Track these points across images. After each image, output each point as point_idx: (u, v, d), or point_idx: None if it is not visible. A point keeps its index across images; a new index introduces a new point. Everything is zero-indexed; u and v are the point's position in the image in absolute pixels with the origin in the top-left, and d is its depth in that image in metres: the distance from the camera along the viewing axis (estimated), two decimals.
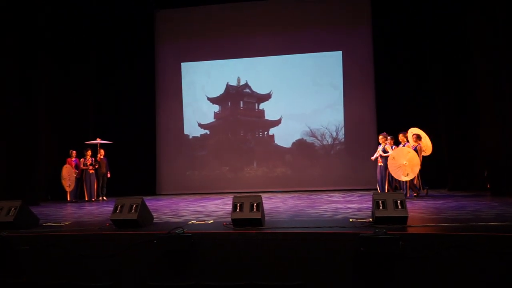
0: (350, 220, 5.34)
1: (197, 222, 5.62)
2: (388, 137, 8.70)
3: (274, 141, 11.84)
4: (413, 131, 8.72)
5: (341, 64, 11.63)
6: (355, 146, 11.28)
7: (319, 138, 11.59)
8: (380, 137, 8.73)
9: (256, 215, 4.84)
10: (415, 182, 8.39)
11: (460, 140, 9.89)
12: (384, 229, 4.15)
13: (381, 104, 11.02)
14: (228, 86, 12.10)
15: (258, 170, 11.82)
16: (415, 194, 8.48)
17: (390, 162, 8.06)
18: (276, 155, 11.80)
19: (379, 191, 8.50)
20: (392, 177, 8.41)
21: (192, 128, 12.19)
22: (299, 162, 11.69)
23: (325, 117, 11.59)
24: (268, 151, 11.83)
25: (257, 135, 11.97)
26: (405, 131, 8.81)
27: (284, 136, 11.80)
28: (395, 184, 8.57)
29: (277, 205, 7.96)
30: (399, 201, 4.74)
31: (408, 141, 8.53)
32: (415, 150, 8.29)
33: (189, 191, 11.83)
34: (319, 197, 9.28)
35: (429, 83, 10.54)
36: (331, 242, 4.34)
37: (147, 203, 5.81)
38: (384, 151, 8.53)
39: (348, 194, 9.71)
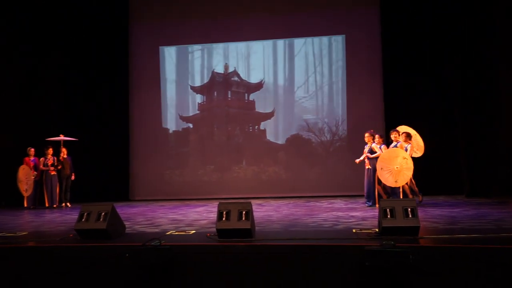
0: (354, 230, 5.36)
1: (176, 233, 5.61)
2: (376, 135, 8.70)
3: (266, 137, 11.87)
4: (402, 129, 8.73)
5: (343, 50, 11.68)
6: (360, 144, 11.32)
7: (317, 134, 11.64)
8: (366, 135, 8.71)
9: (245, 224, 4.84)
10: (407, 187, 8.35)
11: (479, 139, 10.00)
12: (392, 241, 4.17)
13: (389, 96, 11.08)
14: (214, 74, 12.09)
15: (248, 170, 11.83)
16: (420, 199, 8.51)
17: (379, 164, 8.05)
18: (268, 153, 11.83)
19: (366, 201, 8.49)
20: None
21: (172, 121, 12.18)
22: (295, 161, 11.73)
23: (324, 109, 11.65)
24: (259, 148, 11.87)
25: (246, 130, 12.00)
26: (404, 128, 8.81)
27: (277, 131, 11.83)
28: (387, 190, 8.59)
29: (270, 213, 7.97)
30: (409, 209, 4.77)
31: (399, 140, 8.49)
32: (405, 150, 8.31)
33: (168, 197, 11.80)
34: (318, 204, 9.31)
35: (445, 75, 10.61)
36: (331, 256, 4.35)
37: (119, 210, 5.77)
38: (371, 151, 8.53)
39: (352, 201, 9.76)
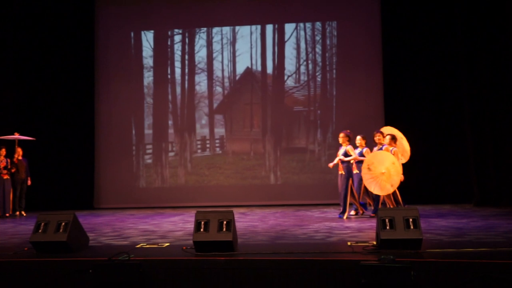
0: (349, 243, 5.39)
1: (147, 246, 5.59)
2: (358, 137, 8.69)
3: (251, 134, 11.92)
4: (386, 130, 8.78)
5: (338, 36, 11.78)
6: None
7: (309, 130, 11.70)
8: (341, 135, 8.68)
9: (226, 236, 4.84)
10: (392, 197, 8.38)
11: (490, 143, 10.12)
12: (391, 256, 4.20)
13: (390, 89, 11.13)
14: (194, 63, 12.08)
15: (230, 174, 11.83)
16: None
17: (365, 170, 8.09)
18: (254, 154, 11.85)
19: (342, 212, 8.47)
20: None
21: (145, 118, 12.16)
22: (283, 164, 11.76)
23: (317, 100, 11.74)
24: (244, 147, 11.90)
25: (230, 126, 12.04)
26: (395, 130, 8.84)
27: (265, 126, 11.88)
28: (370, 197, 8.59)
29: (254, 223, 7.98)
30: (411, 219, 4.81)
31: (385, 143, 8.49)
32: None
33: (139, 205, 11.73)
34: (308, 213, 9.34)
35: (454, 69, 10.70)
36: (323, 272, 4.37)
37: (81, 220, 5.73)
38: (346, 154, 8.53)
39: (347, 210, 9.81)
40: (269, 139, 11.86)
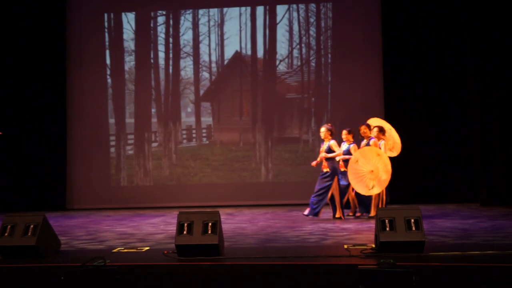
0: (345, 246, 5.41)
1: (125, 250, 5.57)
2: (344, 131, 8.61)
3: (239, 124, 11.91)
4: (373, 122, 8.76)
5: (330, 20, 11.77)
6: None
7: (301, 122, 11.69)
8: (322, 130, 8.52)
9: (211, 239, 4.83)
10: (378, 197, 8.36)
11: (499, 136, 10.18)
12: (391, 259, 4.22)
13: (390, 81, 11.15)
14: (179, 47, 12.02)
15: (216, 171, 11.83)
16: (373, 213, 8.34)
17: (351, 168, 8.03)
18: (242, 147, 11.84)
19: (334, 214, 8.41)
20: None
21: (123, 110, 12.10)
22: (275, 159, 11.77)
23: (311, 87, 11.74)
24: (231, 140, 11.89)
25: (217, 117, 12.02)
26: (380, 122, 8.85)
27: (255, 116, 11.86)
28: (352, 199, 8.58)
29: (243, 225, 7.98)
30: (413, 220, 4.84)
31: (372, 136, 8.52)
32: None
33: (115, 205, 11.65)
34: (301, 213, 9.37)
35: (461, 58, 10.72)
36: (318, 278, 4.38)
37: (52, 222, 5.69)
38: (329, 150, 8.41)
39: (345, 210, 9.84)
40: (259, 128, 11.84)
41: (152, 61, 12.09)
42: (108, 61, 12.13)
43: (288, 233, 6.92)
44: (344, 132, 8.62)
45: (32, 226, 5.08)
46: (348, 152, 8.44)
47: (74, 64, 12.03)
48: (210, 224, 4.90)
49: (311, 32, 11.85)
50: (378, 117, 10.74)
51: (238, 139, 11.92)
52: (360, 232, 6.72)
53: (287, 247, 5.80)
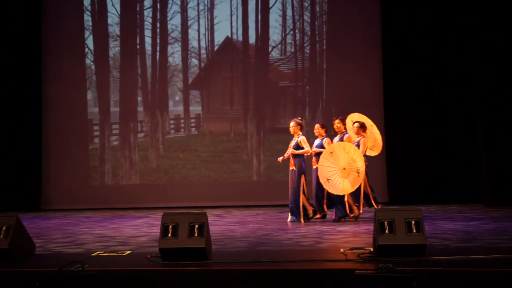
0: (342, 250, 5.40)
1: (105, 254, 5.55)
2: (317, 125, 8.60)
3: (228, 118, 11.95)
4: (353, 118, 8.75)
5: (325, 4, 11.75)
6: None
7: (295, 111, 11.66)
8: (291, 124, 8.43)
9: (198, 242, 4.82)
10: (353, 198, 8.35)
11: (505, 136, 10.22)
12: (391, 264, 4.23)
13: (390, 70, 11.14)
14: (166, 32, 12.02)
15: (206, 158, 11.80)
16: (352, 215, 8.38)
17: (323, 161, 8.00)
18: (232, 142, 11.86)
19: (290, 217, 8.33)
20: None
21: (109, 96, 12.12)
22: (266, 146, 11.77)
23: (305, 75, 11.76)
24: (220, 134, 11.93)
25: (204, 107, 12.04)
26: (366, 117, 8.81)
27: (246, 106, 11.89)
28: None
29: (232, 227, 7.98)
30: (414, 222, 4.85)
31: (346, 131, 8.48)
32: (357, 146, 8.30)
33: (95, 205, 11.63)
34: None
35: (465, 49, 10.74)
36: (312, 283, 4.38)
37: (27, 224, 5.66)
38: (297, 146, 8.31)
39: None
40: (251, 118, 11.85)
41: (138, 47, 12.08)
42: (92, 47, 12.09)
43: (280, 236, 6.92)
44: (317, 126, 8.60)
45: (4, 228, 5.05)
46: (321, 147, 8.42)
47: (50, 54, 11.94)
48: (196, 226, 4.89)
49: (305, 17, 11.86)
50: (376, 102, 10.76)
51: (228, 130, 11.93)
52: (357, 235, 6.74)
53: (279, 251, 5.80)
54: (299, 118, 8.67)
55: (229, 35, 11.97)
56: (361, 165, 7.95)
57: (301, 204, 8.25)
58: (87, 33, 12.08)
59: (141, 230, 7.82)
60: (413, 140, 10.82)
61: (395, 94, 11.04)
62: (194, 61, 12.04)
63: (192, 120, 12.03)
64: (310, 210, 8.34)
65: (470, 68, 10.62)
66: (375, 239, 4.93)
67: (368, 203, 8.59)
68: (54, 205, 11.82)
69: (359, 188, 8.20)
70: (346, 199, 8.23)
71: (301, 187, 8.25)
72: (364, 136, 8.51)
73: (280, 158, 8.66)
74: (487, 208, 9.83)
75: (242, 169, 11.78)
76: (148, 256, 5.09)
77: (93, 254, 5.54)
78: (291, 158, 8.38)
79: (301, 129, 8.41)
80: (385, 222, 4.87)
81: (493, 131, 10.32)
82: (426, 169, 10.85)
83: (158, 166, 11.91)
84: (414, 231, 4.81)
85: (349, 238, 6.47)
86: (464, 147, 10.80)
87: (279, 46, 11.94)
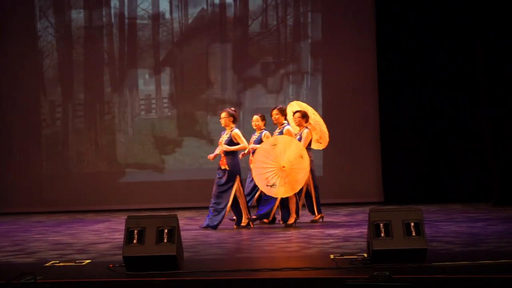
0: (331, 256, 5.43)
1: (61, 264, 5.52)
2: (255, 117, 8.42)
3: (202, 103, 11.99)
4: (293, 107, 8.70)
5: None
6: (343, 132, 11.46)
7: (278, 90, 11.73)
8: (223, 115, 8.19)
9: (167, 249, 4.82)
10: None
11: None
12: (387, 271, 4.25)
13: (385, 50, 11.15)
14: (136, 2, 11.96)
15: (174, 164, 11.80)
16: (291, 220, 8.21)
17: (260, 154, 7.84)
18: (207, 133, 11.85)
19: (237, 220, 8.16)
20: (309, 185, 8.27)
21: (60, 90, 12.04)
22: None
23: (288, 50, 11.82)
24: (192, 124, 11.94)
25: (176, 92, 12.04)
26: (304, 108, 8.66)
27: (223, 87, 11.90)
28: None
29: (206, 231, 7.96)
30: (413, 224, 4.88)
31: (287, 122, 8.38)
32: (299, 139, 8.21)
33: (49, 208, 11.56)
34: (278, 217, 9.38)
35: (469, 38, 10.81)
36: None
37: None
38: (230, 141, 8.05)
39: (329, 213, 9.90)
40: (229, 97, 11.84)
41: (104, 19, 11.99)
42: (53, 20, 11.96)
43: (262, 241, 6.92)
44: (256, 117, 8.41)
45: None
46: (260, 142, 8.21)
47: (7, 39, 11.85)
48: (166, 230, 4.88)
49: None
50: (369, 84, 10.72)
51: (204, 110, 11.90)
52: (349, 239, 6.75)
53: (261, 258, 5.79)
54: (232, 109, 8.38)
55: (205, 7, 11.91)
56: (305, 165, 7.77)
57: (227, 208, 7.98)
58: (47, 4, 11.98)
59: (102, 236, 7.77)
60: (411, 132, 10.86)
61: (388, 80, 11.05)
62: (166, 35, 11.96)
63: (165, 100, 11.99)
64: (244, 216, 8.10)
65: (475, 61, 10.68)
66: (369, 243, 4.95)
67: (309, 208, 8.46)
68: (2, 208, 11.72)
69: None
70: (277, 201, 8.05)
71: (234, 189, 7.95)
72: (307, 128, 8.36)
73: (211, 156, 8.34)
74: (494, 207, 9.92)
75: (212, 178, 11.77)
76: (111, 265, 5.06)
77: (47, 264, 5.50)
78: (223, 155, 8.07)
79: (234, 121, 8.13)
80: (381, 224, 4.89)
81: (500, 123, 10.40)
82: (425, 164, 10.91)
83: (126, 151, 11.90)
84: (413, 234, 4.84)
85: (340, 243, 6.48)
86: (468, 141, 10.86)
87: (260, 18, 11.86)
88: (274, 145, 7.82)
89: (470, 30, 10.71)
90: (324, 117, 11.19)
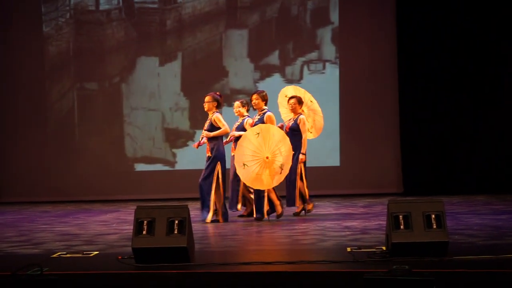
0: (349, 249, 5.43)
1: (68, 255, 5.54)
2: (237, 103, 8.27)
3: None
4: (288, 91, 8.61)
5: None
6: (361, 120, 11.43)
7: (289, 76, 11.74)
8: (207, 99, 7.99)
9: (178, 241, 4.82)
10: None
11: None
12: (406, 265, 4.24)
13: (405, 51, 11.15)
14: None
15: (184, 154, 11.83)
16: (297, 210, 8.34)
17: (243, 144, 7.67)
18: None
19: (206, 211, 7.94)
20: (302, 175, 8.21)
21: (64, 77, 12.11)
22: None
23: (309, 66, 11.78)
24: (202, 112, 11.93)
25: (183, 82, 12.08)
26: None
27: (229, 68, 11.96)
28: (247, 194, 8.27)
29: (218, 222, 7.97)
30: (434, 216, 4.86)
31: (267, 109, 8.18)
32: (294, 128, 8.12)
33: (56, 198, 11.68)
34: (293, 208, 9.38)
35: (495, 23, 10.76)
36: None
37: None
38: (211, 126, 7.90)
39: (346, 204, 9.89)
40: (245, 87, 11.73)
41: (112, 2, 12.01)
42: (58, 3, 11.98)
43: (276, 233, 6.92)
44: (237, 103, 8.24)
45: None
46: (242, 129, 8.06)
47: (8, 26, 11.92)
48: (176, 221, 4.88)
49: None
50: (390, 83, 10.68)
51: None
52: (366, 232, 6.75)
53: (276, 251, 5.80)
54: (218, 93, 8.24)
55: None
56: (284, 160, 7.65)
57: (212, 198, 7.85)
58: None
59: (110, 227, 7.80)
60: (432, 120, 10.81)
61: (410, 63, 11.02)
62: (178, 20, 11.87)
63: (176, 91, 11.98)
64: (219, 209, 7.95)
65: (499, 50, 10.64)
66: (388, 236, 4.94)
67: (302, 199, 8.38)
68: (7, 197, 11.84)
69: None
70: (265, 193, 7.90)
71: (214, 177, 7.84)
72: (302, 114, 8.27)
73: (195, 144, 8.32)
74: None
75: None
76: (119, 257, 5.07)
77: (54, 255, 5.53)
78: (207, 142, 7.99)
79: (217, 106, 7.99)
80: (400, 216, 4.87)
81: None
82: (447, 154, 10.87)
83: (134, 142, 12.00)
84: (434, 227, 4.82)
85: (357, 236, 6.48)
86: (494, 130, 10.81)
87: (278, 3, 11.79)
88: (258, 133, 7.68)
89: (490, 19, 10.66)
90: (342, 105, 11.23)
